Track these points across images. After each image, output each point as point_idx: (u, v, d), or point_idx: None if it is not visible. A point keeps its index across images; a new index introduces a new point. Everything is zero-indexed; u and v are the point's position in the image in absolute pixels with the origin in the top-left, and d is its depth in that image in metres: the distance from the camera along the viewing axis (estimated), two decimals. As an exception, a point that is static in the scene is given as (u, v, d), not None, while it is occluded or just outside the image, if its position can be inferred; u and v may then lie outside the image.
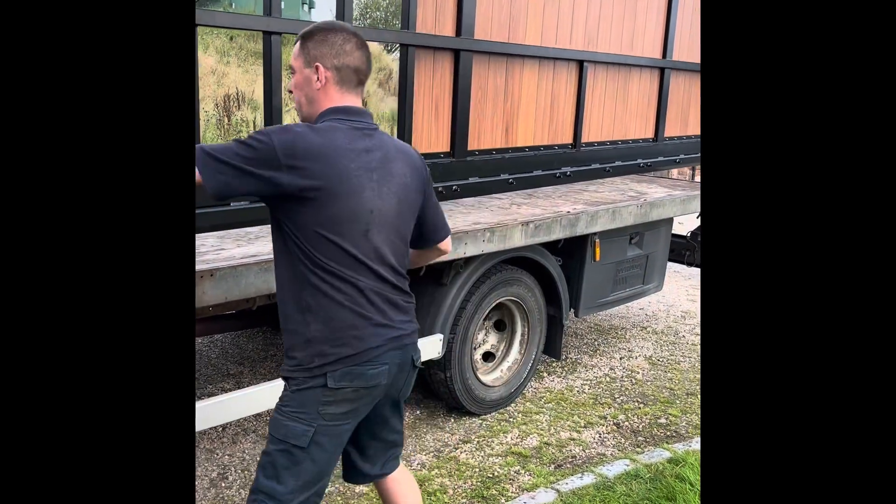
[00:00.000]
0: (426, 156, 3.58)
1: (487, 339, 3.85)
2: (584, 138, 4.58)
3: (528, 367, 3.89)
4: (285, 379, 1.81)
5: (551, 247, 3.85)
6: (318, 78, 1.77)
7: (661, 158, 5.35)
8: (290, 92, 1.85)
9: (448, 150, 3.71)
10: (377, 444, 2.01)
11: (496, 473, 3.17)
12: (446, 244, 2.10)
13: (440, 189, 3.64)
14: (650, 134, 5.23)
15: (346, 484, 2.59)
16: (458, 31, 3.56)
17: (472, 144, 3.83)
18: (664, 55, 5.01)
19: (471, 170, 3.84)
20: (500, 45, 3.79)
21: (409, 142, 3.46)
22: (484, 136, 3.90)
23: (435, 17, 3.46)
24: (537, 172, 4.28)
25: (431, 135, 3.61)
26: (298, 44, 1.81)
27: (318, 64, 1.77)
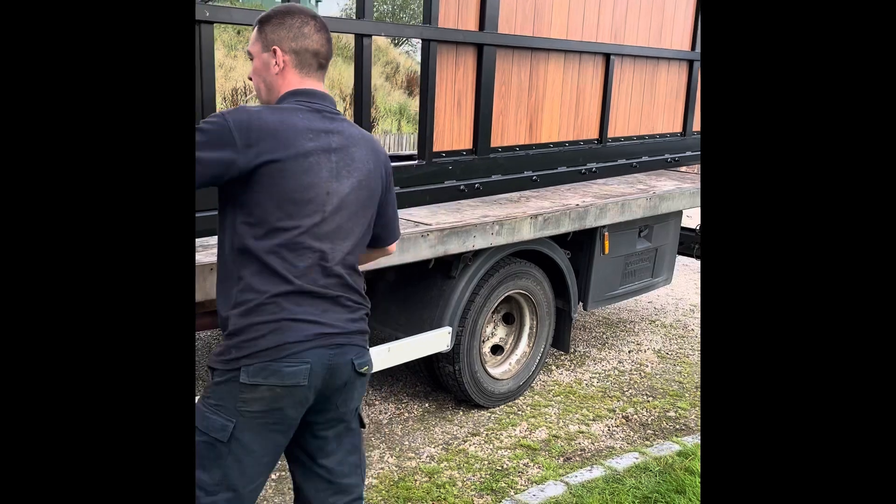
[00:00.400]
0: (449, 153, 3.57)
1: (496, 332, 3.87)
2: (611, 133, 4.51)
3: (537, 360, 3.92)
4: (210, 369, 1.73)
5: (560, 240, 3.85)
6: (276, 62, 1.73)
7: (689, 153, 5.28)
8: (251, 79, 1.81)
9: (471, 147, 3.67)
10: (318, 477, 1.83)
11: (505, 466, 3.20)
12: (394, 247, 2.04)
13: (462, 187, 3.63)
14: (678, 128, 5.16)
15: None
16: (482, 25, 3.50)
17: (496, 141, 3.78)
18: (693, 47, 4.93)
19: (494, 167, 3.79)
20: (524, 39, 3.73)
21: (431, 139, 3.44)
22: (507, 132, 3.85)
23: (457, 11, 3.41)
24: (562, 169, 4.22)
25: (454, 131, 3.58)
26: (256, 28, 1.76)
27: (275, 47, 1.72)
